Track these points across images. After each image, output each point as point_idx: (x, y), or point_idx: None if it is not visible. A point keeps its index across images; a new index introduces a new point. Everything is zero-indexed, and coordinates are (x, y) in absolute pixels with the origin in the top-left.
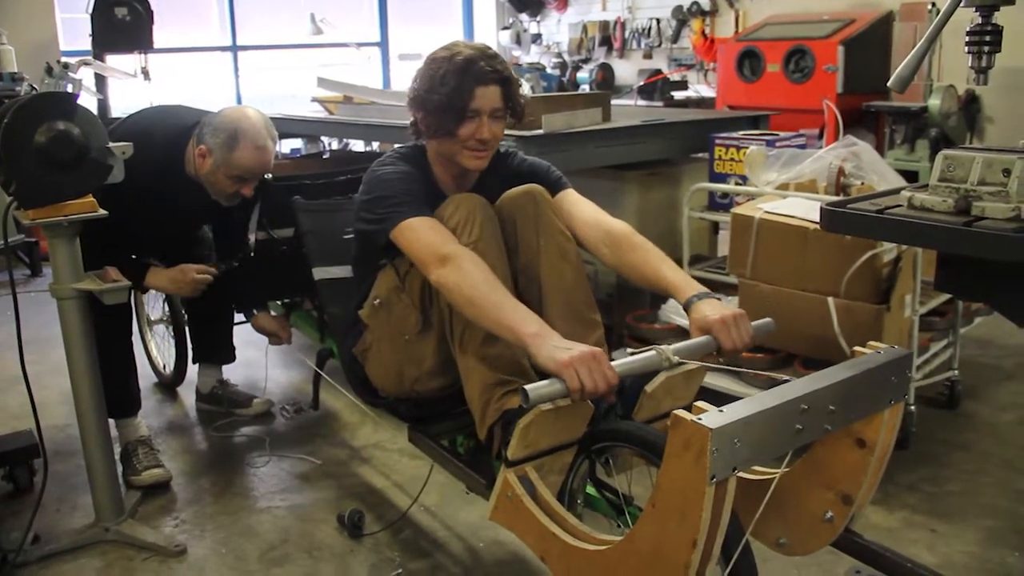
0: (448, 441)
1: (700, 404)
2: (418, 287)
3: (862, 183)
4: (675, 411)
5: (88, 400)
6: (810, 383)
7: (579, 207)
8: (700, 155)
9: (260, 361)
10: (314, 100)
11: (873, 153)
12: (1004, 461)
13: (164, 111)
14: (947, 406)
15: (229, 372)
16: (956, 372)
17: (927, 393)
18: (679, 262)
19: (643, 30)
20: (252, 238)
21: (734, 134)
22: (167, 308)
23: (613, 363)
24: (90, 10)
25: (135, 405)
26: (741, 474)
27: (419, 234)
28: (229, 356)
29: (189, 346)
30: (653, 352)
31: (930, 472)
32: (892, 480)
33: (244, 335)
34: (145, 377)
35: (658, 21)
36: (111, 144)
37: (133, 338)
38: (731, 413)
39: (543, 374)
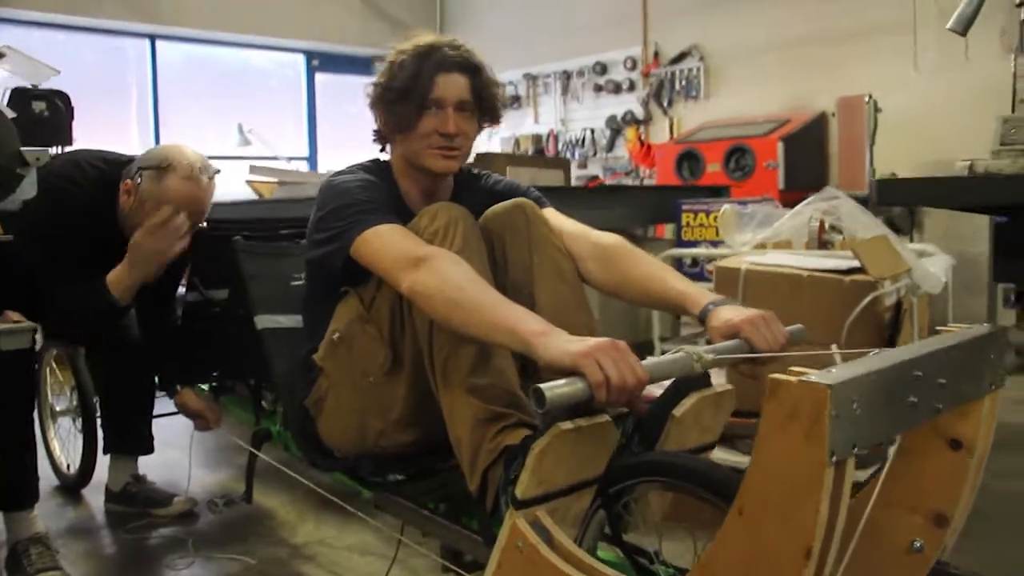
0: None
1: (797, 369)
2: (387, 315)
3: (844, 238)
4: (773, 376)
5: None
6: (915, 350)
7: (562, 222)
8: (653, 234)
9: (181, 462)
10: (248, 182)
11: (854, 205)
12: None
13: (94, 150)
14: None
15: (145, 471)
16: None
17: None
18: (650, 342)
19: (577, 140)
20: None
21: (702, 200)
22: (75, 397)
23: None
24: (6, 103)
25: (32, 496)
26: None
27: (386, 240)
28: (147, 446)
29: (100, 439)
30: (682, 353)
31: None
32: None
33: (162, 433)
34: (44, 479)
35: (592, 131)
36: (24, 149)
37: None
38: (843, 372)
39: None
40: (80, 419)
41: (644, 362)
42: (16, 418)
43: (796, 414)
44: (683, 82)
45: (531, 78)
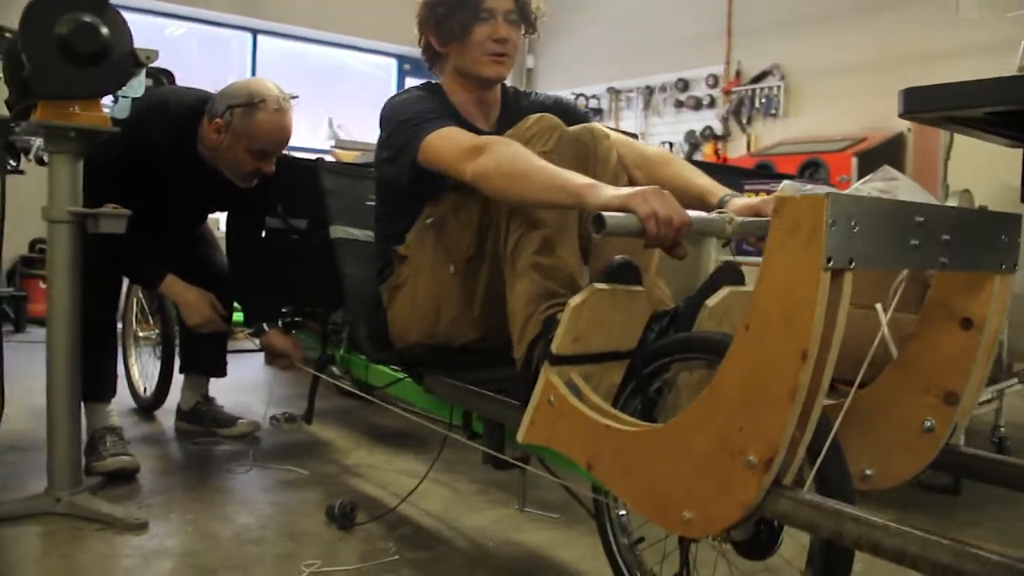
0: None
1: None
2: (477, 209)
3: None
4: (779, 195)
5: (63, 339)
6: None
7: (614, 134)
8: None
9: (252, 406)
10: (330, 150)
11: (913, 185)
12: None
13: (178, 87)
14: None
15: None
16: (1004, 429)
17: (976, 446)
18: None
19: None
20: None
21: (765, 180)
22: (158, 323)
23: None
24: None
25: (110, 390)
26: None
27: (448, 139)
28: (220, 369)
29: (176, 365)
30: (716, 215)
31: (992, 512)
32: (951, 517)
33: (235, 377)
34: (121, 402)
35: (671, 145)
36: (137, 48)
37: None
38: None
39: None
40: (160, 346)
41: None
42: (103, 321)
43: (798, 227)
44: (762, 100)
45: (614, 92)
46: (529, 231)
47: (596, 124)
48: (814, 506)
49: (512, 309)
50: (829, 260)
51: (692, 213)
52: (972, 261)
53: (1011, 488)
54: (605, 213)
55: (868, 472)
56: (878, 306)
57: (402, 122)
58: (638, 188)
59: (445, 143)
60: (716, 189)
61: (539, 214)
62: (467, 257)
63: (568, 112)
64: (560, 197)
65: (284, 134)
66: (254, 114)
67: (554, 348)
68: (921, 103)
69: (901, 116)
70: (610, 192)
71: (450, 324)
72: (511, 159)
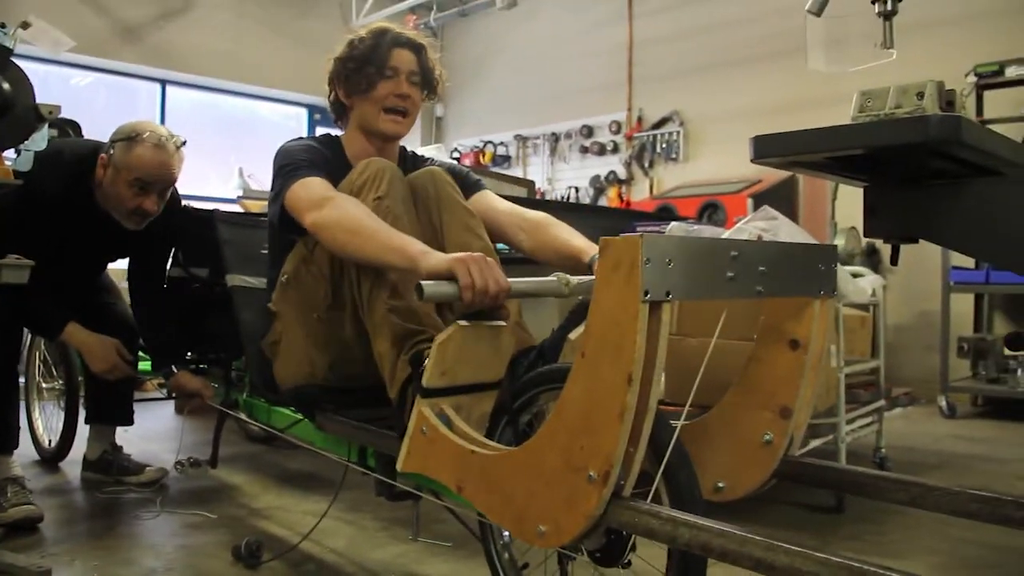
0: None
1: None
2: (327, 257)
3: None
4: (604, 238)
5: None
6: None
7: (497, 202)
8: None
9: (160, 455)
10: (238, 199)
11: (793, 226)
12: (939, 519)
13: (76, 139)
14: None
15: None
16: (884, 450)
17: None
18: None
19: (563, 198)
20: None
21: (655, 222)
22: (61, 374)
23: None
24: None
25: (12, 442)
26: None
27: (307, 188)
28: (127, 417)
29: (80, 417)
30: (552, 277)
31: (870, 527)
32: (834, 533)
33: (143, 427)
34: (24, 455)
35: (577, 190)
36: (40, 103)
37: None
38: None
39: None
40: (64, 397)
41: (515, 279)
42: (5, 361)
43: (619, 264)
44: (663, 145)
45: (521, 139)
46: (379, 278)
47: (437, 169)
48: (651, 514)
49: (379, 354)
50: (647, 293)
51: (531, 280)
52: (791, 288)
53: (839, 491)
54: (424, 283)
55: (720, 485)
56: (755, 339)
57: (281, 167)
58: (465, 255)
59: (303, 191)
60: (589, 249)
61: None
62: (327, 305)
63: (459, 177)
64: (397, 260)
65: (163, 169)
66: (133, 147)
67: (424, 382)
68: (768, 149)
69: (752, 161)
70: (440, 256)
71: (328, 369)
72: (354, 217)
